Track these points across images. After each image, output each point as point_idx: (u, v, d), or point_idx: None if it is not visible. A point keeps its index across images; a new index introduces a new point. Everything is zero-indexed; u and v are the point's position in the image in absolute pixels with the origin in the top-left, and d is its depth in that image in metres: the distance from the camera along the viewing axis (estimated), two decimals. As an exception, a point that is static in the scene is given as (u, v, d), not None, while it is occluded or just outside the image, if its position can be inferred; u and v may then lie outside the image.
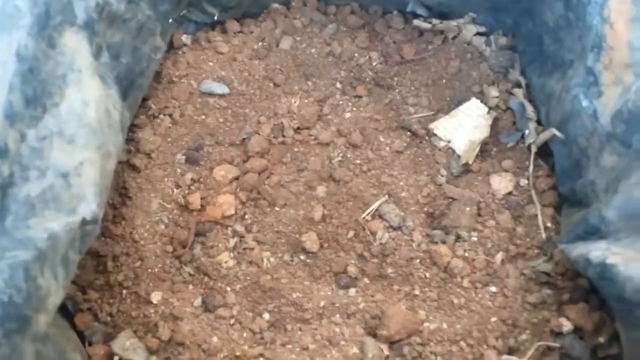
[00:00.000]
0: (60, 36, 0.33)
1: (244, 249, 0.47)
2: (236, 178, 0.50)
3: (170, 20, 0.56)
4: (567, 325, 0.40)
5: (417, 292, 0.44)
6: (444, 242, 0.46)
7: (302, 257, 0.47)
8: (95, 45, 0.39)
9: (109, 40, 0.45)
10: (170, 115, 0.53)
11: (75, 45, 0.34)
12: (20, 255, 0.24)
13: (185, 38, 0.58)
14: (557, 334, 0.41)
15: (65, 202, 0.28)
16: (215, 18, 0.59)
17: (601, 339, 0.39)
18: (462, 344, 0.41)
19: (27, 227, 0.25)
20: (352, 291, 0.45)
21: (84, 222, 0.29)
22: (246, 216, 0.48)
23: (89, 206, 0.29)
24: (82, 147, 0.30)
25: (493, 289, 0.43)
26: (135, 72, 0.49)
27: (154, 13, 0.51)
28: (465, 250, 0.45)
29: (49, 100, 0.29)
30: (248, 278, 0.45)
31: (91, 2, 0.40)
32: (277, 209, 0.48)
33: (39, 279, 0.24)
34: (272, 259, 0.46)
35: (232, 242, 0.47)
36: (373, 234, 0.47)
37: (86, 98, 0.32)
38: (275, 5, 0.60)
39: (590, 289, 0.42)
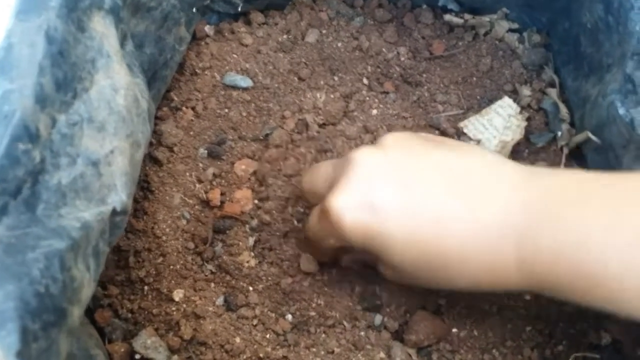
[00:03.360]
0: (89, 20, 0.31)
1: (263, 248, 0.45)
2: (255, 172, 0.49)
3: (194, 10, 0.54)
4: (605, 338, 0.39)
5: (444, 298, 0.42)
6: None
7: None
8: (120, 33, 0.38)
9: (133, 30, 0.43)
10: (193, 108, 0.51)
11: (103, 30, 0.33)
12: (54, 244, 0.22)
13: (208, 29, 0.56)
14: (595, 346, 0.39)
15: (95, 191, 0.26)
16: (239, 9, 0.58)
17: (640, 352, 0.38)
18: (495, 352, 0.39)
19: (58, 215, 0.24)
20: (377, 289, 0.43)
21: (114, 212, 0.27)
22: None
23: (119, 196, 0.28)
24: (112, 135, 0.28)
25: (527, 297, 0.41)
26: (159, 63, 0.48)
27: (179, 2, 0.50)
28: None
29: (79, 85, 0.28)
30: (270, 279, 0.44)
31: (118, -13, 0.38)
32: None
33: (73, 269, 0.23)
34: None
35: (251, 240, 0.46)
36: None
37: (115, 85, 0.31)
38: (301, -3, 0.58)
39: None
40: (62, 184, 0.24)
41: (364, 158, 0.35)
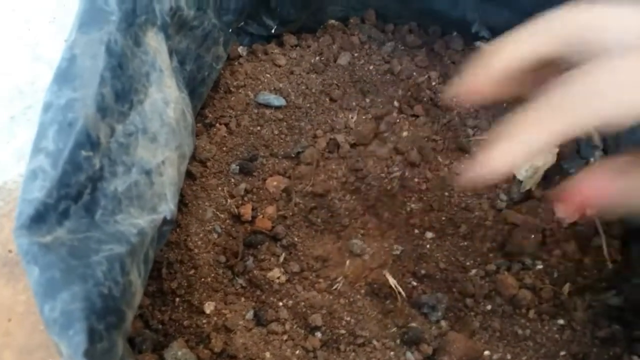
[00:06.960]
0: (144, 35, 0.33)
1: (293, 263, 0.46)
2: (286, 189, 0.50)
3: (230, 31, 0.56)
4: (639, 364, 0.38)
5: (477, 322, 0.42)
6: (508, 270, 0.44)
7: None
8: (168, 49, 0.39)
9: (176, 47, 0.45)
10: (226, 125, 0.52)
11: (156, 45, 0.34)
12: (115, 248, 0.23)
13: (241, 49, 0.58)
14: (629, 373, 0.39)
15: (148, 200, 0.27)
16: (273, 31, 0.59)
17: (674, 380, 0.37)
18: (528, 376, 0.39)
19: (114, 222, 0.24)
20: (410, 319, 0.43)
21: (164, 221, 0.28)
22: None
23: (168, 205, 0.28)
24: (164, 146, 0.29)
25: (561, 321, 0.41)
26: (197, 80, 0.49)
27: (218, 22, 0.51)
28: (531, 278, 0.43)
29: (135, 97, 0.29)
30: (300, 294, 0.44)
31: (166, 5, 0.40)
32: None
33: (131, 274, 0.23)
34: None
35: (281, 257, 0.46)
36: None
37: (166, 98, 0.32)
38: (332, 22, 0.60)
39: (664, 327, 0.40)
40: (118, 191, 0.25)
41: None
